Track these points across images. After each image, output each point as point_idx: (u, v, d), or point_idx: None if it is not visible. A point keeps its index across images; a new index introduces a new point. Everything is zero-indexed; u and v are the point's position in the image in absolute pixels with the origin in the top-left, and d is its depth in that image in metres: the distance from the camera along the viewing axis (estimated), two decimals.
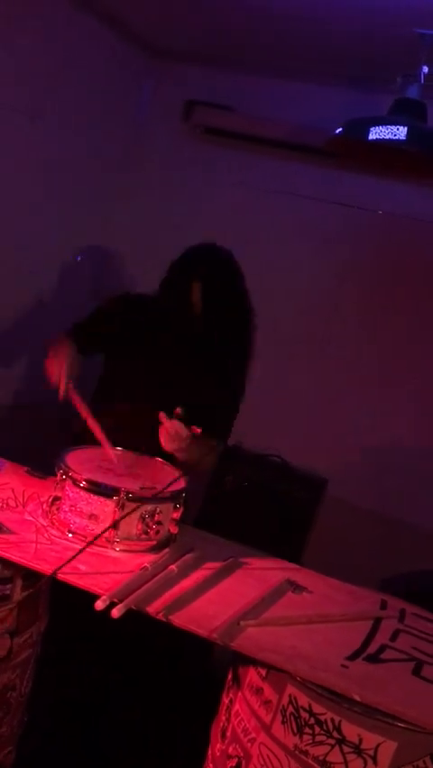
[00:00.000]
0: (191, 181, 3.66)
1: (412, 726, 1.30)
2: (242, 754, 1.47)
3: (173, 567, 1.67)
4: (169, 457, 2.03)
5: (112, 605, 1.45)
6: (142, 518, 1.76)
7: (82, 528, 1.75)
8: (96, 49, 3.27)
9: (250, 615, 1.54)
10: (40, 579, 1.65)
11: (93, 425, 2.03)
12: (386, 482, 3.34)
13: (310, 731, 1.36)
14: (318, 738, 1.35)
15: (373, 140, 2.35)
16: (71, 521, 1.77)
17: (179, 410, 1.93)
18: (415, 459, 3.30)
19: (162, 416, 1.93)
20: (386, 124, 2.33)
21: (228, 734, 1.53)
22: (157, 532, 1.79)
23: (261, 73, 3.43)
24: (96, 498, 1.74)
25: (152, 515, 1.77)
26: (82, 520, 1.75)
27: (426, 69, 2.41)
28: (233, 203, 3.59)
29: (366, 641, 1.56)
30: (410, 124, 2.32)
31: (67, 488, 1.79)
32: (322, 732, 1.35)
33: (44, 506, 1.86)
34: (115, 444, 2.02)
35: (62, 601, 1.73)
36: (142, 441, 2.04)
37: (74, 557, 1.59)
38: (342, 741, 1.33)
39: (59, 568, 1.54)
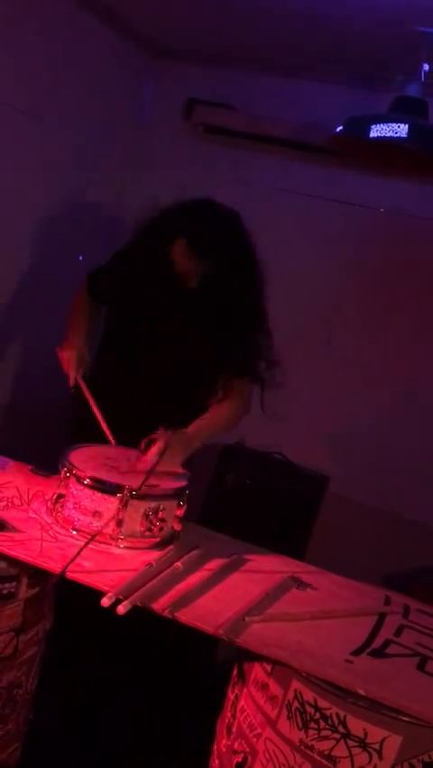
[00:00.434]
0: (192, 180, 3.65)
1: (417, 720, 1.30)
2: (247, 750, 1.48)
3: (178, 564, 1.67)
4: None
5: (117, 602, 1.46)
6: (146, 516, 1.77)
7: (86, 526, 1.75)
8: (96, 48, 3.27)
9: (255, 611, 1.54)
10: (45, 576, 1.66)
11: (99, 416, 2.05)
12: (388, 480, 3.35)
13: (316, 726, 1.36)
14: (324, 733, 1.36)
15: (374, 138, 2.35)
16: (75, 518, 1.78)
17: (143, 442, 1.91)
18: (416, 456, 3.30)
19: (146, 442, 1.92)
20: (387, 122, 2.33)
21: (234, 729, 1.54)
22: (161, 529, 1.80)
23: (261, 72, 3.43)
24: (100, 495, 1.75)
25: (156, 512, 1.78)
26: (86, 517, 1.76)
27: (426, 67, 2.42)
28: (233, 201, 3.56)
29: (371, 636, 1.56)
30: (411, 122, 2.32)
31: (71, 485, 1.79)
32: (327, 727, 1.35)
33: (48, 503, 1.86)
34: (117, 432, 2.03)
35: (68, 598, 1.74)
36: (143, 416, 2.01)
37: (78, 553, 1.60)
38: (347, 735, 1.34)
39: (67, 566, 1.55)
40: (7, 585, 1.60)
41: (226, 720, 1.59)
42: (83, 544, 1.65)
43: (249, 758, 1.47)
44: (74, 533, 1.76)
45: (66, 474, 1.81)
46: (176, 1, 2.91)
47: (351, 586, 1.84)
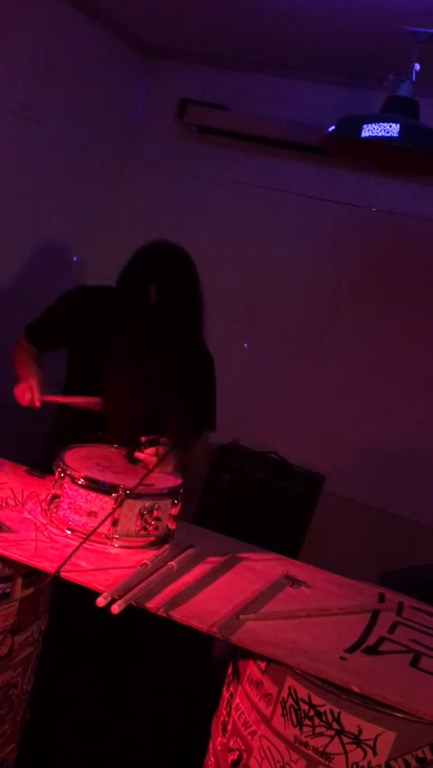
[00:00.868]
0: (185, 179, 3.67)
1: (411, 716, 1.31)
2: (243, 747, 1.49)
3: (173, 564, 1.68)
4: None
5: (113, 601, 1.46)
6: (141, 514, 1.77)
7: (81, 526, 1.76)
8: (89, 48, 3.28)
9: (249, 609, 1.55)
10: (40, 577, 1.66)
11: (78, 400, 2.10)
12: (383, 477, 3.36)
13: (310, 723, 1.37)
14: (318, 730, 1.36)
15: (365, 137, 2.35)
16: (70, 518, 1.78)
17: (144, 439, 1.94)
18: (411, 454, 3.32)
19: (138, 454, 1.95)
20: (379, 122, 2.34)
21: (229, 727, 1.55)
22: (156, 528, 1.81)
23: (254, 72, 3.44)
24: (94, 495, 1.75)
25: (151, 511, 1.79)
26: (81, 517, 1.76)
27: (418, 67, 2.42)
28: (226, 201, 3.60)
29: (365, 633, 1.57)
30: (403, 121, 2.33)
31: (65, 485, 1.80)
32: (322, 723, 1.36)
33: (43, 504, 1.87)
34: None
35: (63, 597, 1.74)
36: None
37: (73, 552, 1.60)
38: (341, 732, 1.35)
39: (62, 566, 1.56)
40: (2, 585, 1.60)
41: (222, 718, 1.60)
42: (78, 543, 1.66)
43: (244, 755, 1.48)
44: (69, 533, 1.76)
45: (60, 475, 1.81)
46: (169, 1, 2.91)
47: (345, 584, 1.85)
